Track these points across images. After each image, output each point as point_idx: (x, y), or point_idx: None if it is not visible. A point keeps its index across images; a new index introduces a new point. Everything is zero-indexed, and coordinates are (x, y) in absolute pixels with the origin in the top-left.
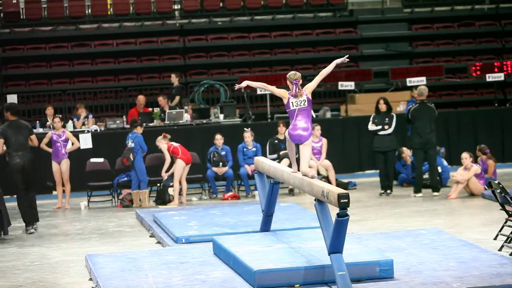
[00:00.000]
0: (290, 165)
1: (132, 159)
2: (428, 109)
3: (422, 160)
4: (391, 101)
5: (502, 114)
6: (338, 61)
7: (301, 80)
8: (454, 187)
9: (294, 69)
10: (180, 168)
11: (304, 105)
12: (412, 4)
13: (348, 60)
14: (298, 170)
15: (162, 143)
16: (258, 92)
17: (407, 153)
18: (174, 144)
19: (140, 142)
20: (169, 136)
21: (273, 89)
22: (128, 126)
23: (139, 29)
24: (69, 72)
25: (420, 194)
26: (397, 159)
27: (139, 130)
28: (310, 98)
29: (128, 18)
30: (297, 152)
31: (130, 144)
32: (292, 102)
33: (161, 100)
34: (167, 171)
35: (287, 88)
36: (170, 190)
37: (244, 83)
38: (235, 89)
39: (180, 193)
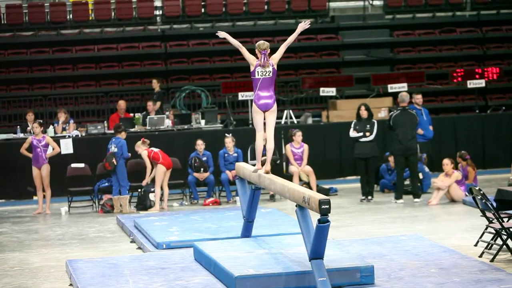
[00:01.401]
0: (271, 170)
1: (115, 163)
2: (410, 115)
3: (403, 167)
4: (372, 107)
5: (483, 121)
6: (303, 26)
7: (269, 50)
8: (435, 193)
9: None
10: (161, 174)
11: (268, 75)
12: (393, 10)
13: (309, 25)
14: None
15: (142, 149)
16: (240, 98)
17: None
18: (154, 149)
19: (123, 148)
20: (148, 141)
21: (245, 52)
22: (109, 131)
23: (120, 35)
24: (50, 77)
25: (401, 200)
26: (384, 161)
27: (123, 135)
28: (276, 69)
29: (109, 23)
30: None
31: (113, 149)
32: (258, 71)
33: (150, 105)
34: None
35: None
36: (151, 196)
37: (223, 35)
38: (216, 34)
39: (161, 199)
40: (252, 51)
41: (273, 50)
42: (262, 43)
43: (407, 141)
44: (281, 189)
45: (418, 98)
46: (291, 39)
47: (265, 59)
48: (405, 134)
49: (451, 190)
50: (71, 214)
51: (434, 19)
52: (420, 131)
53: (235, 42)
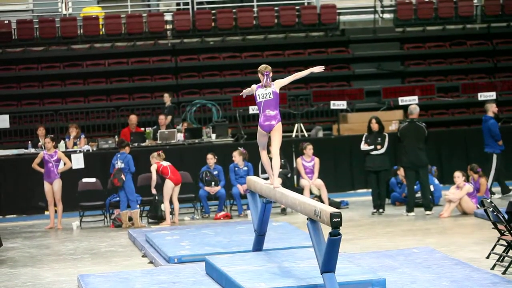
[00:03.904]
0: (282, 184)
1: (123, 179)
2: (417, 128)
3: (414, 179)
4: (383, 120)
5: None
6: (315, 70)
7: (271, 73)
8: (446, 206)
9: (286, 89)
10: (169, 189)
11: (269, 97)
12: (403, 23)
13: (323, 69)
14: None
15: (154, 161)
16: (251, 111)
17: (403, 173)
18: (164, 163)
19: (129, 163)
20: (163, 156)
21: (249, 91)
22: None
23: (131, 49)
24: (61, 92)
25: (412, 213)
26: (393, 175)
27: (127, 150)
28: (277, 92)
29: (120, 38)
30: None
31: (120, 164)
32: (258, 95)
33: (162, 119)
34: (156, 188)
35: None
36: (163, 206)
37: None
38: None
39: (172, 213)
40: (259, 66)
41: (283, 63)
42: (265, 67)
43: (414, 154)
44: (292, 202)
45: (494, 107)
46: (301, 74)
47: (268, 80)
48: (411, 146)
49: (462, 202)
50: (82, 229)
51: (445, 32)
52: (500, 142)
53: (248, 92)
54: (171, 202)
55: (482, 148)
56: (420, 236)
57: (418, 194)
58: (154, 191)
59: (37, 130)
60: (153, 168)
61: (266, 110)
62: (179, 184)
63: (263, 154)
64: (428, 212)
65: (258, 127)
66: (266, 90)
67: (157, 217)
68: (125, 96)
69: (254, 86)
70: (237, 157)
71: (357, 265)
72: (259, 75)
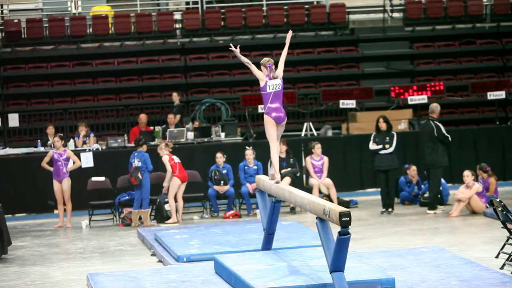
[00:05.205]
0: (291, 183)
1: (140, 178)
2: (428, 127)
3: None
4: (392, 120)
5: (503, 132)
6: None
7: (274, 65)
8: (455, 205)
9: (295, 88)
10: (176, 186)
11: (278, 88)
12: (413, 22)
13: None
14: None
15: (164, 152)
16: (260, 110)
17: (412, 172)
18: (175, 160)
19: (146, 161)
20: (171, 145)
21: (254, 69)
22: (130, 144)
23: (140, 48)
24: (70, 91)
25: (433, 211)
26: (402, 174)
27: (144, 148)
28: (283, 81)
29: (129, 37)
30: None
31: (137, 163)
32: (269, 85)
33: (171, 118)
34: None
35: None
36: (166, 206)
37: (236, 51)
38: (229, 48)
39: (176, 211)
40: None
41: (293, 62)
42: (267, 59)
43: (424, 152)
44: (301, 201)
45: None
46: (285, 52)
47: (272, 71)
48: (424, 145)
49: (471, 202)
50: (91, 228)
51: (454, 31)
52: None
53: (244, 59)
54: (175, 200)
55: (492, 147)
56: (429, 235)
57: (427, 194)
58: (167, 184)
59: (47, 129)
60: (166, 160)
61: (273, 101)
62: (185, 182)
63: (275, 149)
64: (429, 211)
65: (266, 118)
66: (275, 81)
67: (162, 219)
68: (135, 95)
69: (261, 74)
70: (251, 156)
71: (366, 264)
72: (262, 68)
